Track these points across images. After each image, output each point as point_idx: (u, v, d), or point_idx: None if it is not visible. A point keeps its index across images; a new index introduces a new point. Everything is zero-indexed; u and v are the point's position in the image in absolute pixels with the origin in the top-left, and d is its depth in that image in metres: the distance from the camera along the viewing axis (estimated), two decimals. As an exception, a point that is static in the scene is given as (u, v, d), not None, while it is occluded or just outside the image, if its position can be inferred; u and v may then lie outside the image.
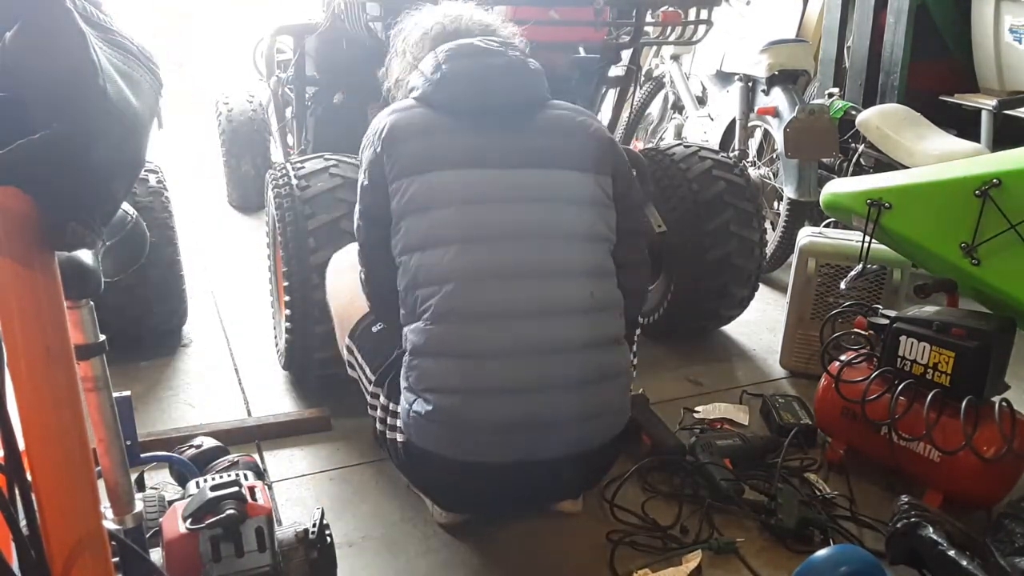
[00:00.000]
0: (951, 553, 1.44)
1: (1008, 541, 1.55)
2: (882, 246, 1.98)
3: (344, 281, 1.81)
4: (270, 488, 1.81)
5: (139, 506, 1.12)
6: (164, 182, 2.42)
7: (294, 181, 2.07)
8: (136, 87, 0.80)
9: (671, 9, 2.44)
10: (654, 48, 4.06)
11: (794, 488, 1.81)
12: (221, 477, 1.24)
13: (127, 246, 1.21)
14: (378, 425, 1.63)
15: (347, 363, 1.77)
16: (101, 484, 0.94)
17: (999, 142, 3.03)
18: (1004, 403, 1.69)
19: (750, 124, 3.30)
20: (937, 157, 2.62)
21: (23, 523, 0.79)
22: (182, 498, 1.25)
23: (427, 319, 1.48)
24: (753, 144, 3.37)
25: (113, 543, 0.97)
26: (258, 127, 3.91)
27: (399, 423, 1.54)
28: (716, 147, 2.97)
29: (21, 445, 0.79)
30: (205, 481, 1.23)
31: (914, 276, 2.28)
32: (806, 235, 2.40)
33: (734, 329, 2.75)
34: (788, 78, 3.11)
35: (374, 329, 1.68)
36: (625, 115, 3.71)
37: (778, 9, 4.02)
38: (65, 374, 0.79)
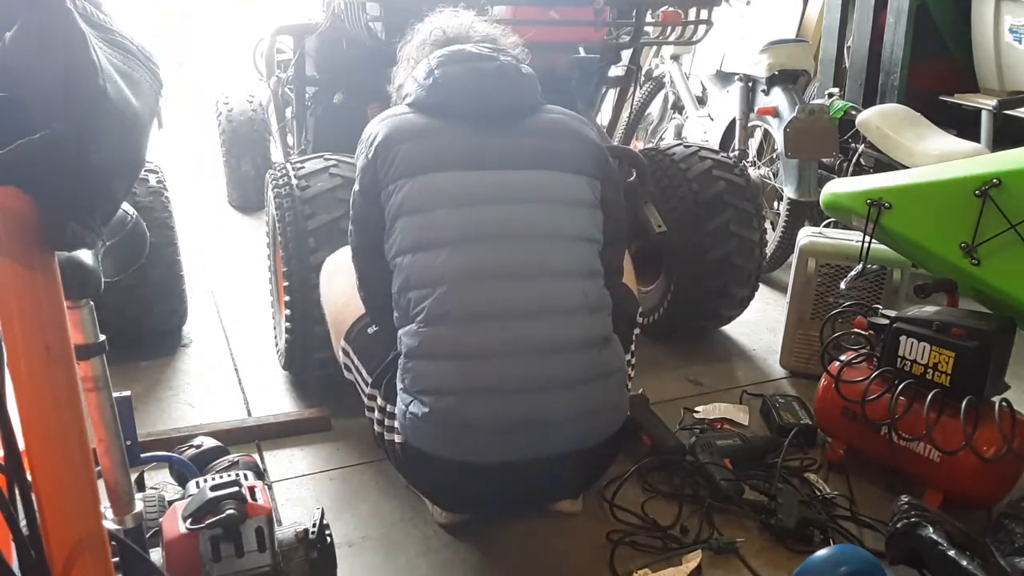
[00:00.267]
0: (951, 553, 1.44)
1: (1008, 541, 1.55)
2: (882, 246, 1.98)
3: (338, 284, 1.81)
4: (270, 488, 1.81)
5: (139, 506, 1.12)
6: (164, 182, 2.42)
7: (294, 181, 2.07)
8: (136, 87, 0.80)
9: (671, 9, 2.44)
10: (654, 48, 4.06)
11: (794, 488, 1.81)
12: (221, 477, 1.24)
13: (127, 246, 1.21)
14: (376, 427, 1.63)
15: (343, 365, 1.77)
16: (101, 484, 0.94)
17: (999, 142, 3.03)
18: (1004, 403, 1.69)
19: (750, 124, 3.30)
20: (937, 157, 2.62)
21: (23, 523, 0.79)
22: (182, 498, 1.25)
23: (421, 321, 1.49)
24: (753, 144, 3.37)
25: (113, 543, 0.97)
26: (258, 127, 3.92)
27: (396, 424, 1.54)
28: (716, 147, 2.97)
29: (21, 445, 0.79)
30: (205, 481, 1.23)
31: (914, 276, 2.28)
32: (806, 235, 2.40)
33: (734, 329, 2.75)
34: (788, 78, 3.11)
35: (369, 331, 1.68)
36: (625, 115, 3.71)
37: (778, 9, 4.02)
38: (65, 374, 0.79)
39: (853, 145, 3.14)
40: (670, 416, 2.11)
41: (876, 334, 1.88)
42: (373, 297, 1.64)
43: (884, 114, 2.99)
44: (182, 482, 1.54)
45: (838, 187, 2.00)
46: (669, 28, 2.52)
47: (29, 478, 0.79)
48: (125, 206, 1.16)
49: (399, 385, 1.53)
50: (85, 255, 0.93)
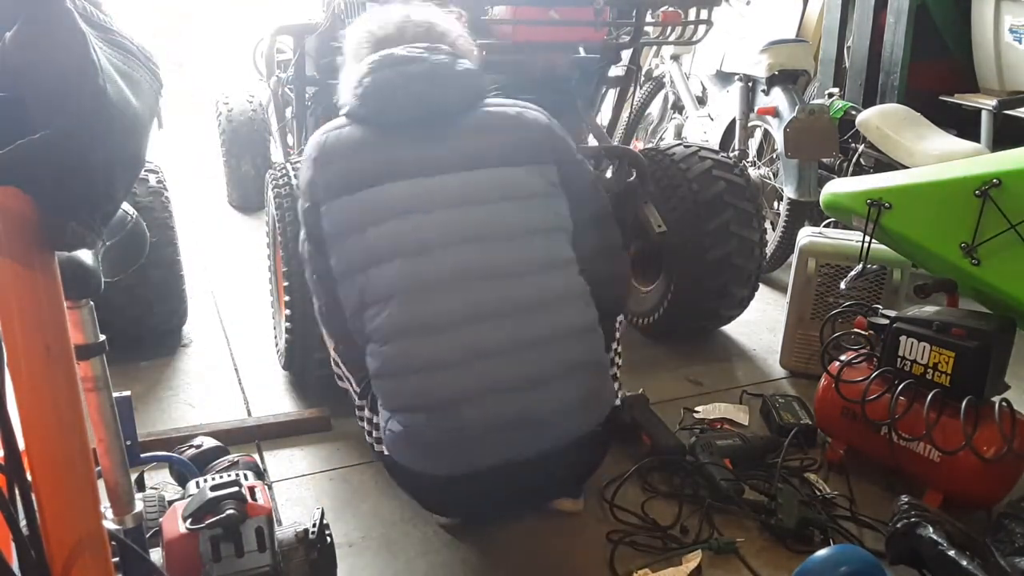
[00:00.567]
0: (951, 553, 1.44)
1: (1008, 541, 1.55)
2: (882, 246, 1.98)
3: None
4: (270, 488, 1.81)
5: (139, 506, 1.12)
6: (164, 182, 2.42)
7: (294, 181, 2.07)
8: (136, 87, 0.80)
9: (671, 9, 2.44)
10: (654, 48, 4.06)
11: (794, 488, 1.81)
12: (221, 477, 1.24)
13: (127, 246, 1.21)
14: (367, 437, 1.64)
15: (336, 376, 1.77)
16: (101, 484, 0.94)
17: (999, 142, 3.03)
18: (1004, 403, 1.69)
19: (750, 124, 3.30)
20: (937, 157, 2.62)
21: (23, 523, 0.79)
22: (182, 498, 1.25)
23: (379, 341, 1.48)
24: (753, 144, 3.37)
25: (113, 543, 0.97)
26: (258, 127, 3.92)
27: (381, 436, 1.55)
28: (716, 147, 2.97)
29: (21, 445, 0.79)
30: (205, 481, 1.23)
31: (914, 276, 2.28)
32: (806, 235, 2.40)
33: (734, 329, 2.75)
34: (788, 78, 3.11)
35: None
36: (625, 115, 3.71)
37: (778, 9, 4.02)
38: (65, 374, 0.79)
39: (853, 145, 3.14)
40: (670, 416, 2.11)
41: (876, 334, 1.88)
42: (338, 324, 1.59)
43: (884, 114, 2.99)
44: (182, 482, 1.54)
45: (838, 187, 2.00)
46: (669, 28, 2.52)
47: (29, 478, 0.79)
48: (125, 206, 1.16)
49: (377, 403, 1.53)
50: (85, 255, 0.93)
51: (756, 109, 3.20)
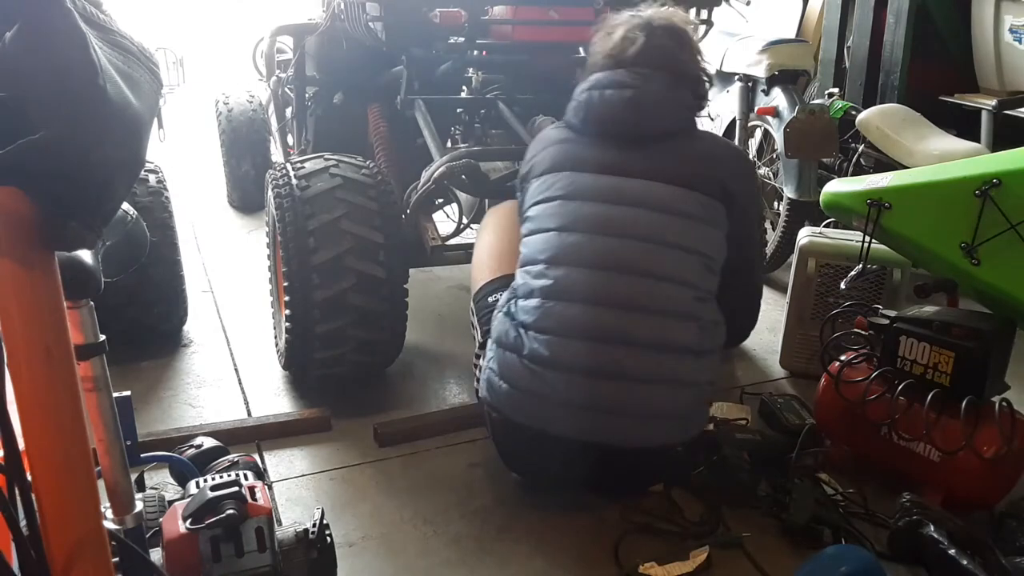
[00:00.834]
0: (952, 552, 1.44)
1: (1010, 540, 1.55)
2: (882, 246, 1.98)
3: (481, 242, 2.05)
4: (270, 488, 1.81)
5: (139, 506, 1.12)
6: (164, 182, 2.42)
7: (294, 181, 2.07)
8: (136, 87, 0.80)
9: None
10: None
11: (809, 486, 1.80)
12: (221, 477, 1.24)
13: (127, 246, 1.21)
14: (475, 383, 1.84)
15: (470, 323, 1.95)
16: (101, 484, 0.94)
17: (999, 142, 3.03)
18: (1004, 403, 1.69)
19: (750, 124, 3.30)
20: (937, 157, 2.62)
21: (23, 523, 0.79)
22: (182, 498, 1.25)
23: (532, 293, 1.68)
24: (753, 144, 3.37)
25: (113, 543, 0.97)
26: (258, 127, 3.91)
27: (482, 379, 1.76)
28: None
29: (21, 445, 0.79)
30: (205, 481, 1.23)
31: (914, 276, 2.28)
32: (806, 235, 2.40)
33: (734, 329, 2.75)
34: (788, 78, 3.10)
35: (490, 299, 1.87)
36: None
37: (778, 9, 4.02)
38: (65, 374, 0.79)
39: (853, 145, 3.14)
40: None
41: (876, 334, 1.88)
42: None
43: (884, 114, 2.99)
44: (182, 482, 1.54)
45: (838, 187, 2.00)
46: (669, 28, 2.52)
47: (29, 478, 0.79)
48: (125, 206, 1.16)
49: (491, 336, 1.73)
50: (85, 255, 0.93)
51: (756, 109, 3.20)
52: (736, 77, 3.32)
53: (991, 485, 1.70)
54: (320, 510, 1.31)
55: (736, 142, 3.32)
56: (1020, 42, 3.10)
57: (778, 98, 3.05)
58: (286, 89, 3.21)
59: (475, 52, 2.54)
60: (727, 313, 1.76)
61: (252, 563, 1.14)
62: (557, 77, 2.69)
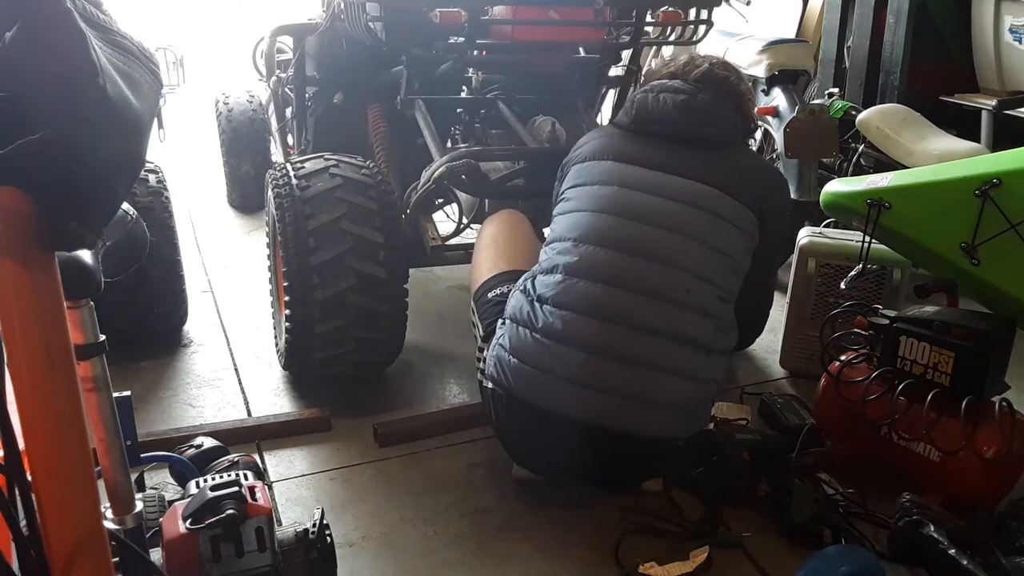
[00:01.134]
0: (952, 552, 1.44)
1: (1010, 540, 1.55)
2: (882, 246, 1.98)
3: (480, 245, 2.06)
4: (270, 488, 1.81)
5: (139, 506, 1.11)
6: (164, 182, 2.42)
7: (294, 181, 2.07)
8: (136, 87, 0.80)
9: (671, 9, 2.44)
10: (654, 48, 4.07)
11: (809, 486, 1.80)
12: (221, 477, 1.24)
13: (127, 246, 1.21)
14: (478, 375, 1.82)
15: (471, 322, 1.95)
16: (101, 484, 0.94)
17: (999, 142, 3.03)
18: (1004, 403, 1.69)
19: (750, 124, 3.30)
20: (937, 157, 2.62)
21: (23, 523, 0.79)
22: (182, 498, 1.25)
23: (556, 268, 1.70)
24: (753, 144, 3.37)
25: (113, 543, 0.97)
26: (258, 127, 3.91)
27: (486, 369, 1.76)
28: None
29: (21, 445, 0.79)
30: (205, 481, 1.23)
31: (914, 276, 2.28)
32: (806, 235, 2.40)
33: (734, 329, 2.75)
34: (788, 78, 3.11)
35: (490, 295, 1.88)
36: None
37: (778, 9, 4.02)
38: (65, 374, 0.79)
39: (853, 145, 3.14)
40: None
41: (876, 334, 1.88)
42: None
43: (884, 114, 2.99)
44: (182, 482, 1.54)
45: (838, 187, 2.00)
46: (669, 28, 2.52)
47: (29, 478, 0.79)
48: (125, 206, 1.16)
49: (506, 313, 1.75)
50: (85, 255, 0.93)
51: (756, 109, 3.20)
52: (736, 77, 3.32)
53: (991, 485, 1.70)
54: (320, 510, 1.31)
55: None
56: (1020, 42, 3.10)
57: (778, 98, 3.05)
58: (286, 89, 3.21)
59: (475, 52, 2.54)
60: (739, 319, 1.79)
61: (252, 563, 1.14)
62: (557, 77, 2.69)
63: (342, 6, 2.47)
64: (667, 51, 3.93)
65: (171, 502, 1.26)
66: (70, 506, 0.82)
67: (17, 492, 0.78)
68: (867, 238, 1.89)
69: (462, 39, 2.38)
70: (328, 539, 1.29)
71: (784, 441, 1.97)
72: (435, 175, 2.13)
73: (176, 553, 1.15)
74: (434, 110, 2.49)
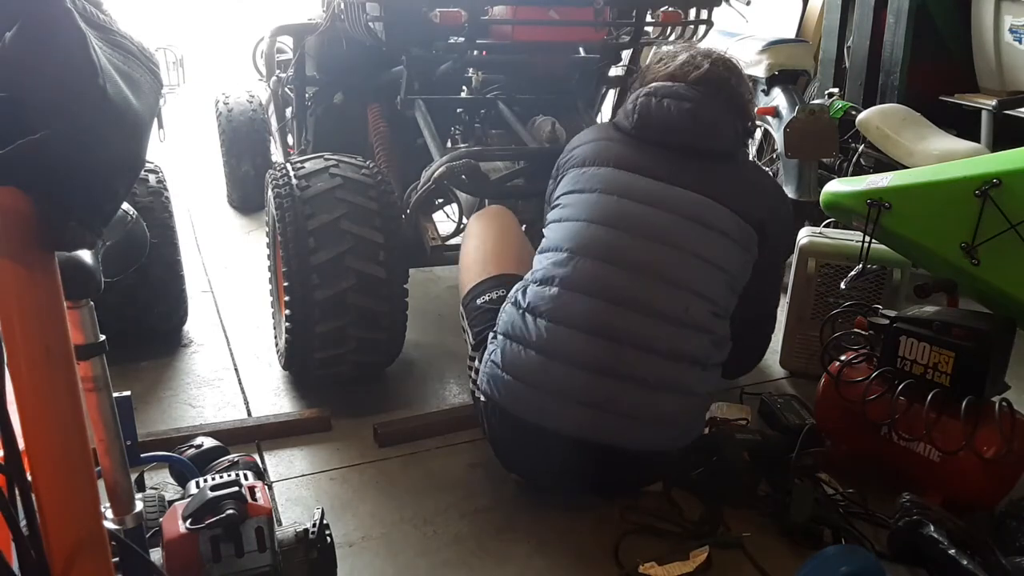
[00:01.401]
0: (952, 552, 1.44)
1: (1010, 540, 1.55)
2: (882, 246, 1.98)
3: (466, 247, 2.01)
4: (270, 488, 1.81)
5: (139, 506, 1.12)
6: (164, 182, 2.42)
7: (294, 181, 2.07)
8: (136, 87, 0.80)
9: (671, 9, 2.44)
10: (654, 48, 4.06)
11: (809, 486, 1.80)
12: (221, 477, 1.24)
13: (127, 246, 1.21)
14: (471, 384, 1.81)
15: (461, 327, 1.93)
16: (101, 484, 0.94)
17: (999, 142, 3.03)
18: (1004, 403, 1.69)
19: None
20: (937, 157, 2.62)
21: (23, 523, 0.79)
22: (182, 498, 1.25)
23: (546, 281, 1.68)
24: (753, 144, 3.37)
25: (113, 543, 0.97)
26: (258, 127, 3.91)
27: (478, 380, 1.74)
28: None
29: (21, 445, 0.79)
30: (205, 481, 1.23)
31: (914, 276, 2.28)
32: (806, 235, 2.40)
33: (734, 329, 2.74)
34: (788, 78, 3.11)
35: (478, 302, 1.86)
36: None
37: (778, 9, 4.02)
38: (65, 374, 0.79)
39: (853, 145, 3.14)
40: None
41: (876, 334, 1.88)
42: None
43: (884, 114, 2.99)
44: (182, 482, 1.54)
45: (838, 187, 2.00)
46: (669, 28, 2.52)
47: (29, 478, 0.79)
48: (125, 206, 1.16)
49: (498, 329, 1.71)
50: (85, 255, 0.93)
51: (756, 109, 3.20)
52: (736, 77, 3.32)
53: (991, 485, 1.70)
54: (320, 510, 1.31)
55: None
56: (1020, 42, 3.10)
57: (778, 98, 3.05)
58: (286, 89, 3.21)
59: (475, 52, 2.54)
60: (733, 339, 1.77)
61: (252, 563, 1.14)
62: (557, 77, 2.69)
63: (342, 6, 2.47)
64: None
65: (171, 502, 1.26)
66: (70, 506, 0.82)
67: (17, 492, 0.78)
68: (867, 238, 1.89)
69: (462, 39, 2.38)
70: (328, 539, 1.29)
71: (784, 441, 1.97)
72: (435, 175, 2.13)
73: (176, 553, 1.15)
74: (434, 110, 2.49)
